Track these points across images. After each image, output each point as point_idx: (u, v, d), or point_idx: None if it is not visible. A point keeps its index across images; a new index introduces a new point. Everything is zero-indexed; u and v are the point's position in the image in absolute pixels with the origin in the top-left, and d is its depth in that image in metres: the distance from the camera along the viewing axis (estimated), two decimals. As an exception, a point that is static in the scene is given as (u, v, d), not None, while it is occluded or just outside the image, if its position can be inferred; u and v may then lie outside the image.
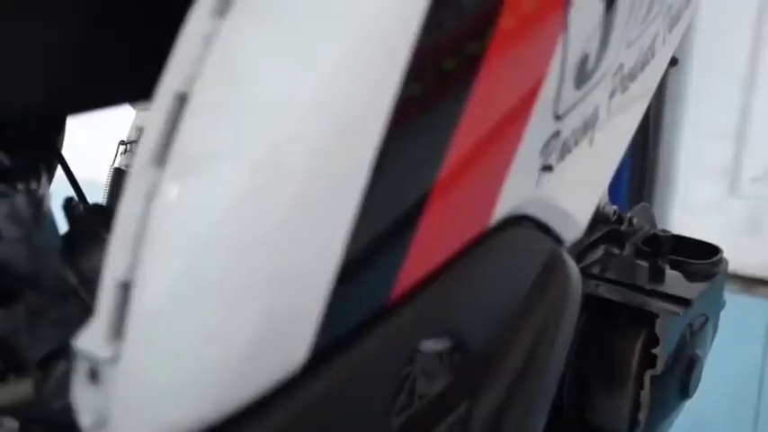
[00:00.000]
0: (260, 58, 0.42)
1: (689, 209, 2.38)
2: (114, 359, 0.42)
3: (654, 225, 1.22)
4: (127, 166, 1.08)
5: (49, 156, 0.69)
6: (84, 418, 0.43)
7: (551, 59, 0.50)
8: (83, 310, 0.61)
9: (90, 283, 0.61)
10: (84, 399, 0.43)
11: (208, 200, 0.42)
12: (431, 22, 0.42)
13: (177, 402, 0.42)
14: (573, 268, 0.57)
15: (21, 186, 0.56)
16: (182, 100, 0.42)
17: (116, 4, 0.48)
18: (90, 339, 0.42)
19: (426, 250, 0.47)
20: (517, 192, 0.52)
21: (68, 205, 0.62)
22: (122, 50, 0.48)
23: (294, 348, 0.44)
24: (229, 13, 0.42)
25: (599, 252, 1.04)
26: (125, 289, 0.42)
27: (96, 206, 0.65)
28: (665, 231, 1.07)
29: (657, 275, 0.99)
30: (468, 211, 0.49)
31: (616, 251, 1.08)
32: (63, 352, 0.60)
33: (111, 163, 1.09)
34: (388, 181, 0.43)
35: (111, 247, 0.42)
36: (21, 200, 0.56)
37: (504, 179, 0.50)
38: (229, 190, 0.41)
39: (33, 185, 0.56)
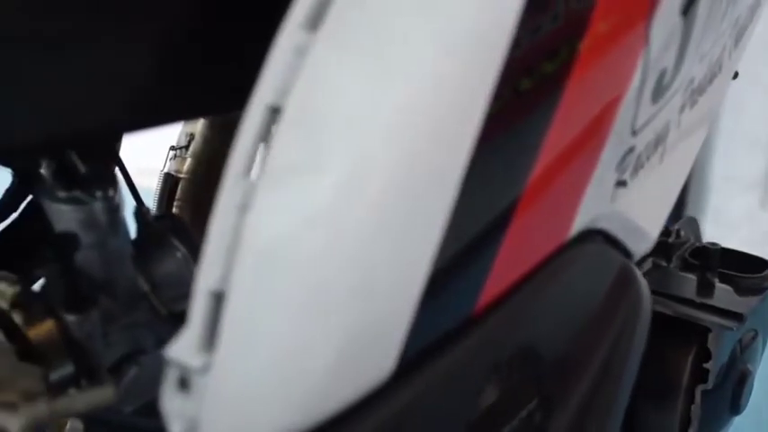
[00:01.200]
0: (351, 72, 0.42)
1: (721, 222, 2.36)
2: (205, 368, 0.42)
3: (699, 238, 1.22)
4: (177, 171, 1.09)
5: (110, 162, 0.70)
6: (174, 425, 0.43)
7: (633, 73, 0.50)
8: (153, 317, 0.61)
9: (160, 289, 0.61)
10: (173, 406, 0.43)
11: (297, 212, 0.42)
12: (521, 34, 0.42)
13: (267, 412, 0.43)
14: (643, 282, 0.58)
15: (98, 193, 0.56)
16: (274, 112, 0.42)
17: (201, 16, 0.48)
18: (181, 348, 0.43)
19: (510, 262, 0.47)
20: (594, 205, 0.52)
21: (138, 212, 0.63)
22: (207, 62, 0.48)
23: (382, 359, 0.44)
24: (322, 26, 0.43)
25: (647, 264, 1.03)
26: (217, 299, 0.42)
27: (165, 213, 0.65)
28: (713, 244, 1.06)
29: (706, 289, 0.99)
30: (550, 223, 0.49)
31: (663, 263, 1.08)
32: (133, 357, 0.61)
33: (162, 168, 1.10)
34: (477, 193, 0.43)
35: (203, 256, 0.43)
36: (98, 207, 0.56)
37: (584, 193, 0.50)
38: (318, 202, 0.42)
39: (110, 192, 0.56)
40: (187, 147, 1.09)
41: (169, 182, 1.07)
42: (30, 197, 0.85)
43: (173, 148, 1.10)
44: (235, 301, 0.42)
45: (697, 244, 1.11)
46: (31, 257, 0.84)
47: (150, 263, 0.61)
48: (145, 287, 0.61)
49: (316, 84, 0.42)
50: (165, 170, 1.09)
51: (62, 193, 0.57)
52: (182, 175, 1.08)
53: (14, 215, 0.86)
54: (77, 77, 0.43)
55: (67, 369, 0.59)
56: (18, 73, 0.40)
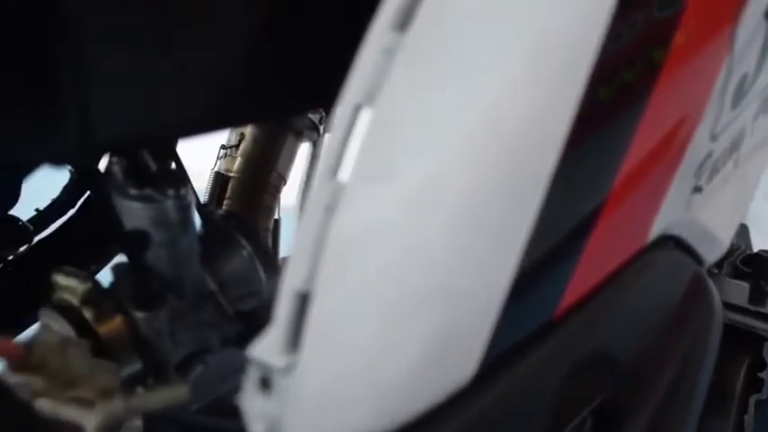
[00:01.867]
0: (441, 73, 0.42)
1: (759, 229, 2.34)
2: (289, 369, 0.42)
3: (750, 245, 1.20)
4: (227, 170, 1.09)
5: (168, 160, 0.70)
6: (256, 425, 0.43)
7: (718, 77, 0.49)
8: (219, 316, 0.61)
9: (226, 288, 0.61)
10: (254, 406, 0.43)
11: (383, 214, 0.42)
12: (608, 41, 0.42)
13: (350, 414, 0.43)
14: (715, 290, 0.57)
15: (170, 192, 0.56)
16: (361, 113, 0.42)
17: (287, 17, 0.48)
18: (265, 348, 0.43)
19: (591, 267, 0.46)
20: (671, 211, 0.52)
21: (204, 211, 0.63)
22: (292, 62, 0.48)
23: (464, 362, 0.44)
24: (411, 27, 0.42)
25: (698, 271, 1.02)
26: (303, 300, 0.42)
27: (231, 212, 0.65)
28: (766, 252, 1.05)
29: (759, 296, 0.98)
30: (630, 228, 0.48)
31: (714, 270, 1.07)
32: (199, 356, 0.61)
33: (213, 167, 1.10)
34: (563, 198, 0.43)
35: (291, 256, 0.42)
36: (169, 205, 0.56)
37: (664, 198, 0.50)
38: (404, 206, 0.42)
39: (182, 191, 0.57)
40: (237, 146, 1.09)
41: (219, 180, 1.08)
42: (86, 194, 0.86)
43: (223, 147, 1.11)
44: (320, 301, 0.42)
45: (748, 251, 1.10)
46: (87, 253, 0.85)
47: (217, 262, 0.61)
48: (212, 286, 0.61)
49: (407, 85, 0.42)
50: (216, 169, 1.10)
51: (133, 191, 0.57)
52: (232, 174, 1.08)
53: (71, 212, 0.88)
54: (166, 77, 0.43)
55: (135, 367, 0.59)
56: (113, 73, 0.41)
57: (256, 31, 0.46)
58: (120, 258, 0.86)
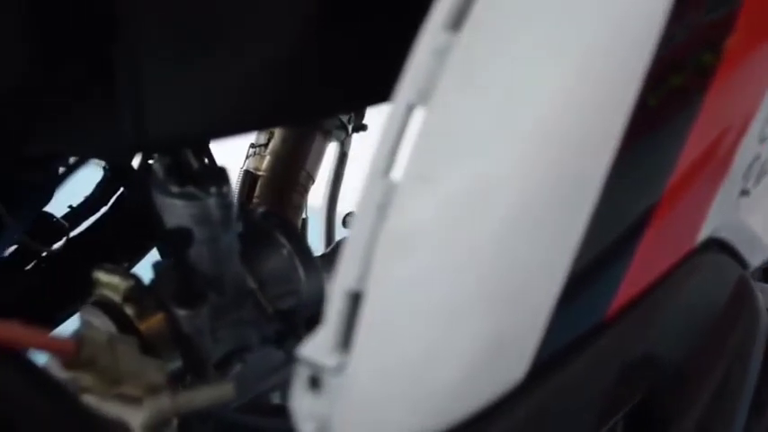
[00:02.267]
0: (494, 74, 0.42)
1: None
2: (339, 369, 0.42)
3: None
4: (255, 168, 1.09)
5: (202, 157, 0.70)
6: (305, 425, 0.43)
7: (769, 80, 0.49)
8: (258, 314, 0.61)
9: (266, 286, 0.61)
10: (303, 406, 0.43)
11: (436, 214, 0.42)
12: (665, 41, 0.41)
13: (400, 414, 0.42)
14: (759, 295, 0.56)
15: (212, 189, 0.56)
16: (414, 112, 0.42)
17: (335, 17, 0.48)
18: (315, 348, 0.43)
19: (642, 269, 0.46)
20: (719, 214, 0.51)
21: (244, 209, 0.62)
22: (340, 62, 0.48)
23: (515, 364, 0.44)
24: (464, 27, 0.42)
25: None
26: (354, 299, 0.42)
27: (270, 210, 0.65)
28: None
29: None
30: (680, 231, 0.48)
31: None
32: (238, 354, 0.61)
33: (242, 165, 1.10)
34: (616, 201, 0.43)
35: (342, 256, 0.42)
36: (212, 203, 0.56)
37: (712, 201, 0.50)
38: (457, 206, 0.41)
39: (224, 189, 0.56)
40: (266, 144, 1.09)
41: (248, 179, 1.07)
42: (119, 192, 0.86)
43: (252, 145, 1.11)
44: (372, 301, 0.42)
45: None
46: (120, 250, 0.85)
47: (257, 260, 0.61)
48: (251, 284, 0.60)
49: (460, 85, 0.42)
50: (245, 167, 1.10)
51: (175, 189, 0.57)
52: (260, 173, 1.08)
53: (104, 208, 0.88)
54: (217, 78, 0.43)
55: (175, 364, 0.59)
56: (166, 73, 0.41)
57: (305, 31, 0.46)
58: (154, 255, 0.86)
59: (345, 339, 0.42)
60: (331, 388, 0.43)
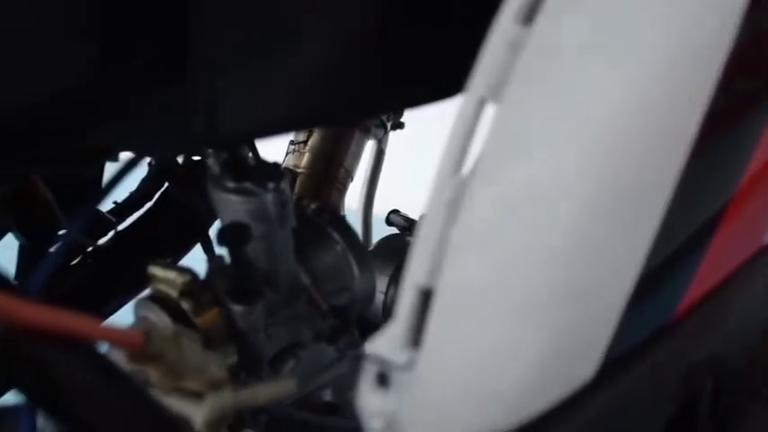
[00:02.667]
0: (568, 67, 0.41)
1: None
2: (409, 365, 0.42)
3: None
4: (295, 166, 1.08)
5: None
6: (373, 422, 0.43)
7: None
8: (312, 310, 0.61)
9: (319, 282, 0.61)
10: (371, 403, 0.43)
11: (508, 211, 0.41)
12: (740, 40, 0.41)
13: (470, 411, 0.42)
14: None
15: (270, 185, 0.56)
16: (485, 107, 0.42)
17: (400, 15, 0.48)
18: (385, 344, 0.42)
19: (713, 268, 0.46)
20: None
21: (298, 204, 0.62)
22: (416, 51, 0.48)
23: (584, 364, 0.43)
24: (537, 20, 0.42)
25: None
26: (425, 296, 0.41)
27: (324, 206, 0.65)
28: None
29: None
30: (749, 230, 0.47)
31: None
32: (291, 350, 0.61)
33: (281, 162, 1.10)
34: (689, 199, 0.42)
35: (413, 252, 0.42)
36: (269, 199, 0.56)
37: (780, 200, 0.49)
38: (530, 203, 0.41)
39: (281, 185, 0.56)
40: (306, 141, 1.09)
41: (287, 176, 1.07)
42: (164, 187, 0.87)
43: (292, 142, 1.10)
44: (443, 298, 0.41)
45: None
46: (165, 246, 0.85)
47: (311, 256, 0.61)
48: (305, 280, 0.60)
49: (533, 80, 0.41)
50: (284, 165, 1.09)
51: (231, 184, 0.57)
52: (300, 170, 1.08)
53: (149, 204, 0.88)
54: (285, 74, 0.43)
55: (229, 360, 0.59)
56: (238, 69, 0.41)
57: (366, 30, 0.46)
58: (193, 250, 0.86)
59: (415, 336, 0.42)
60: (399, 385, 0.42)
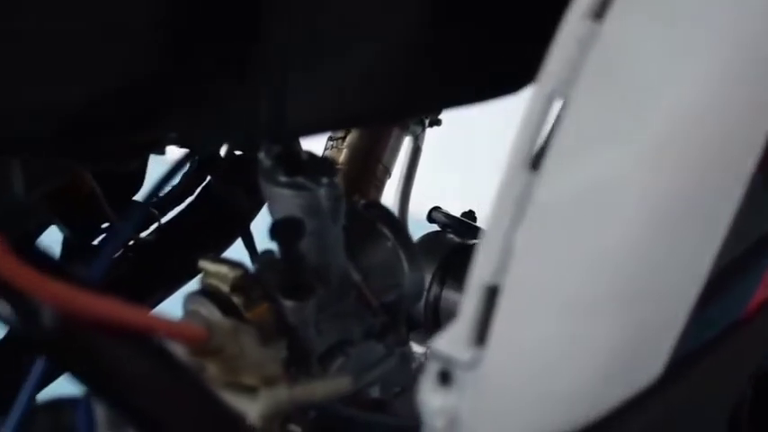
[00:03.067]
0: (637, 66, 0.41)
1: None
2: (473, 363, 0.41)
3: None
4: (333, 161, 1.08)
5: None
6: (435, 420, 0.42)
7: None
8: (361, 307, 0.61)
9: (369, 279, 0.61)
10: (433, 401, 0.42)
11: (578, 209, 0.41)
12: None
13: (534, 412, 0.41)
14: None
15: (323, 180, 0.56)
16: (555, 102, 0.41)
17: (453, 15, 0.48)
18: (449, 342, 0.42)
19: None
20: None
21: (348, 200, 0.62)
22: (464, 51, 0.47)
23: (651, 362, 0.42)
24: (607, 17, 0.41)
25: None
26: (491, 293, 0.41)
27: (374, 202, 0.65)
28: None
29: None
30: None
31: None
32: (341, 347, 0.60)
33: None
34: (760, 199, 0.41)
35: (479, 249, 0.41)
36: (322, 194, 0.56)
37: None
38: (598, 201, 0.40)
39: (335, 180, 0.56)
40: (344, 138, 1.09)
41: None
42: (206, 181, 0.86)
43: (330, 138, 1.10)
44: (509, 295, 0.41)
45: None
46: (206, 240, 0.85)
47: (361, 252, 0.60)
48: (356, 276, 0.60)
49: (604, 75, 0.41)
50: (322, 160, 1.09)
51: (284, 178, 0.57)
52: (338, 166, 1.07)
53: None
54: (351, 70, 0.43)
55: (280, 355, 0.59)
56: (305, 64, 0.40)
57: (423, 28, 0.45)
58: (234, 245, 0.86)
59: (480, 334, 0.41)
60: (462, 383, 0.42)
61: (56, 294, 0.37)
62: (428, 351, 0.43)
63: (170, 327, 0.41)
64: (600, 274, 0.41)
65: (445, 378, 0.42)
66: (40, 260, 0.39)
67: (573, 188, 0.41)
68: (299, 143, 0.57)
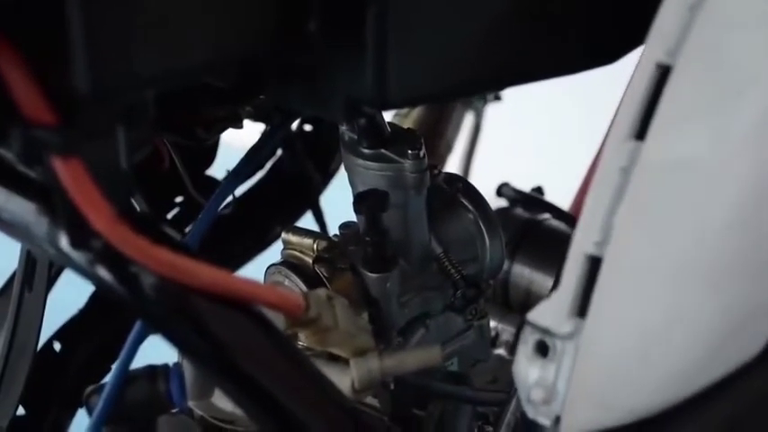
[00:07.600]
0: (741, 41, 0.40)
1: None
2: (572, 335, 0.41)
3: None
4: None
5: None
6: (533, 392, 0.42)
7: None
8: (443, 280, 0.61)
9: (450, 251, 0.60)
10: (531, 372, 0.42)
11: (679, 181, 0.40)
12: None
13: (636, 385, 0.41)
14: None
15: (409, 152, 0.55)
16: (663, 72, 0.40)
17: None
18: (548, 313, 0.41)
19: None
20: None
21: (429, 173, 0.61)
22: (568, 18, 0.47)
23: (753, 338, 0.42)
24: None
25: None
26: (594, 264, 0.41)
27: (456, 175, 0.64)
28: None
29: None
30: None
31: None
32: (421, 320, 0.60)
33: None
34: None
35: (581, 219, 0.41)
36: (407, 166, 0.56)
37: None
38: (699, 174, 0.40)
39: (420, 153, 0.56)
40: (407, 114, 1.08)
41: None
42: (277, 156, 0.87)
43: (396, 114, 1.10)
44: (611, 266, 0.40)
45: None
46: (275, 214, 0.86)
47: (442, 225, 0.60)
48: (437, 249, 0.60)
49: (710, 42, 0.40)
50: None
51: (369, 151, 0.56)
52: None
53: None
54: (458, 38, 0.43)
55: (366, 327, 0.59)
56: (411, 31, 0.40)
57: None
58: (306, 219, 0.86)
59: (582, 305, 0.41)
60: (562, 354, 0.42)
61: (166, 262, 0.37)
62: (525, 323, 0.42)
63: (271, 295, 0.41)
64: (705, 247, 0.40)
65: (543, 349, 0.42)
66: (146, 228, 0.39)
67: (678, 159, 0.40)
68: (381, 116, 0.57)
